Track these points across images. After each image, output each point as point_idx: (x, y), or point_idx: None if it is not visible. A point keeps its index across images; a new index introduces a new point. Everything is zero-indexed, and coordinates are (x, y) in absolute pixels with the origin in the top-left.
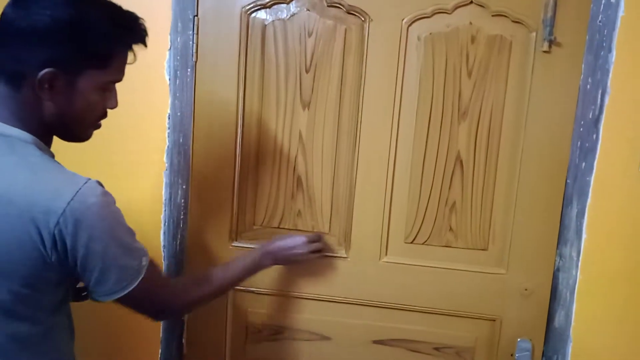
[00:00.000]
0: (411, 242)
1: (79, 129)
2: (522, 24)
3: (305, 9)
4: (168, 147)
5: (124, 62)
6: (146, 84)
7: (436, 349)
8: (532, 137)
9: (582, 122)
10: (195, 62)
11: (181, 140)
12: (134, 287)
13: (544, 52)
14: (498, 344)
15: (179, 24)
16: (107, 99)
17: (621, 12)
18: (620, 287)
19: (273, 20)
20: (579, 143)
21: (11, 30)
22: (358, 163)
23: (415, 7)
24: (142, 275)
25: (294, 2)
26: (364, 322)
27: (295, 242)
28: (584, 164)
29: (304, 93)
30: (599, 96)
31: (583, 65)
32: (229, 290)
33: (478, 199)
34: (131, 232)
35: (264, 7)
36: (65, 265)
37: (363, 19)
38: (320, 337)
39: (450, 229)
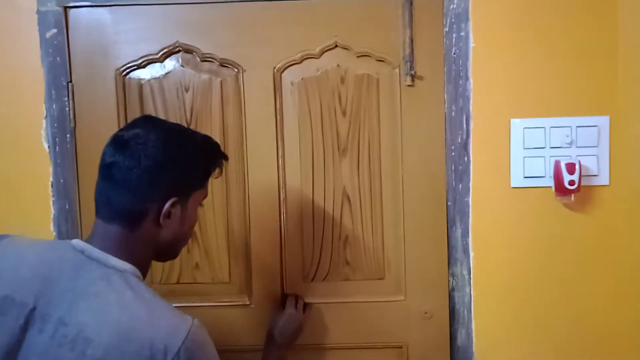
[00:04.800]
0: (312, 281)
1: (181, 248)
2: (385, 61)
3: (179, 66)
4: (54, 215)
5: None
6: (25, 155)
7: None
8: (410, 165)
9: (453, 147)
10: (74, 127)
11: (67, 207)
12: None
13: (408, 86)
14: None
15: (53, 92)
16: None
17: (471, 43)
18: (512, 298)
19: (149, 80)
20: (452, 166)
21: (129, 175)
22: (250, 210)
23: (284, 54)
24: None
25: (167, 59)
26: None
27: (290, 320)
28: (460, 185)
29: None
30: (464, 121)
31: (445, 95)
32: None
33: (368, 230)
34: None
35: (139, 67)
36: None
37: (236, 70)
38: None
39: (347, 262)
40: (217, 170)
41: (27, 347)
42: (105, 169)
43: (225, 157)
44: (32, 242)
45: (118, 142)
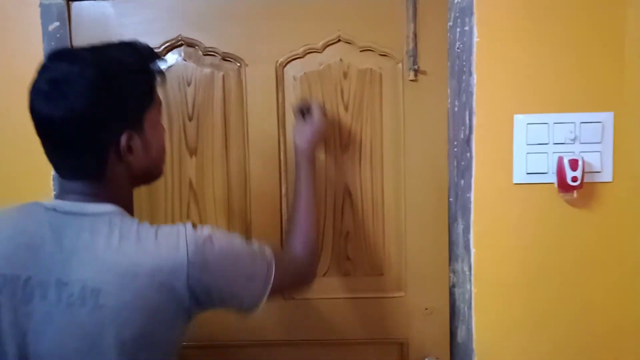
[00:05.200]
0: None
1: (160, 168)
2: (389, 56)
3: (182, 59)
4: None
5: (156, 85)
6: (27, 148)
7: None
8: (412, 161)
9: (455, 143)
10: None
11: None
12: (273, 282)
13: (411, 80)
14: None
15: None
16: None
17: (475, 38)
18: (513, 296)
19: None
20: (455, 162)
21: (65, 131)
22: (251, 204)
23: (287, 48)
24: (275, 269)
25: (170, 53)
26: None
27: (312, 124)
28: (462, 181)
29: (189, 140)
30: (467, 117)
31: (448, 90)
32: (318, 203)
33: (369, 226)
34: (240, 239)
35: None
36: (205, 308)
37: (239, 64)
38: None
39: (348, 258)
40: (158, 79)
41: (38, 317)
42: (39, 127)
43: (162, 59)
44: (2, 214)
45: (39, 95)
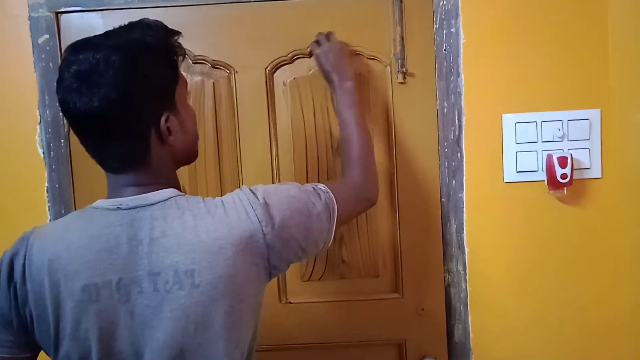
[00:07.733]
0: (308, 280)
1: (197, 147)
2: (377, 59)
3: None
4: (50, 220)
5: (178, 61)
6: (20, 161)
7: None
8: (403, 162)
9: (446, 143)
10: (68, 132)
11: (63, 212)
12: (338, 211)
13: (400, 83)
14: None
15: (46, 97)
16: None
17: (462, 39)
18: (508, 293)
19: None
20: (446, 163)
21: (105, 122)
22: None
23: (275, 53)
24: (335, 199)
25: None
26: None
27: (330, 47)
28: (454, 181)
29: None
30: (456, 118)
31: (437, 91)
32: (365, 125)
33: (363, 229)
34: (293, 185)
35: None
36: (288, 261)
37: (228, 71)
38: None
39: (343, 261)
40: (180, 55)
41: (140, 312)
42: (77, 123)
43: (179, 33)
44: (62, 226)
45: (70, 91)
